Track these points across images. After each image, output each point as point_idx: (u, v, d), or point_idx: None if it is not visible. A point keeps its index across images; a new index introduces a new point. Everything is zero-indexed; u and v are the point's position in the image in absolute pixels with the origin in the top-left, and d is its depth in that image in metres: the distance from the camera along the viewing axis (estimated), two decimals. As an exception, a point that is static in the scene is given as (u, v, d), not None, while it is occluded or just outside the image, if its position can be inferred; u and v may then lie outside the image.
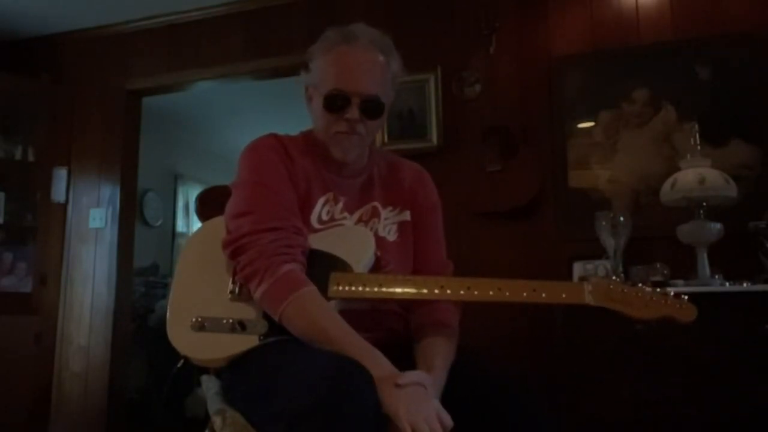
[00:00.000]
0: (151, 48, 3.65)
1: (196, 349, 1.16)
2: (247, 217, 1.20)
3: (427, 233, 1.42)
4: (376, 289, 1.18)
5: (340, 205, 1.34)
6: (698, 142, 2.38)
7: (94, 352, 3.44)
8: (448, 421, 0.99)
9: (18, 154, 3.62)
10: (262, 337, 1.13)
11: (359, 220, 1.35)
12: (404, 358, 1.16)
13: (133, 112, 3.74)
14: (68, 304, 3.55)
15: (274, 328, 1.13)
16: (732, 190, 2.26)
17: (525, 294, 1.17)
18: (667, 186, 2.34)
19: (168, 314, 1.18)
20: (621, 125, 2.71)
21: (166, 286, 4.80)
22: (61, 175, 3.66)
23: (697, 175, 2.25)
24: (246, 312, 1.16)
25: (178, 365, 1.17)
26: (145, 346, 4.11)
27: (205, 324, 1.14)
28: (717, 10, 2.66)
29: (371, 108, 1.29)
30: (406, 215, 1.39)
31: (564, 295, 1.18)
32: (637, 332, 2.10)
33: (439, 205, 1.47)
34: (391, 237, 1.36)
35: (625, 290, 1.18)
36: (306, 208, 1.30)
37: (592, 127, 2.75)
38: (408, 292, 1.19)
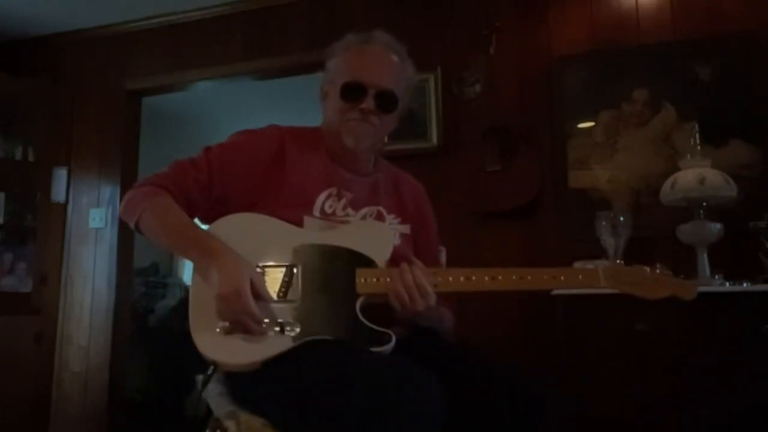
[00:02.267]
0: (151, 48, 3.65)
1: (228, 354, 1.11)
2: (162, 171, 1.32)
3: (427, 251, 1.45)
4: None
5: (344, 201, 1.34)
6: (698, 142, 2.38)
7: (94, 352, 3.44)
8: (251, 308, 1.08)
9: (18, 154, 3.62)
10: (295, 338, 1.10)
11: (364, 219, 1.36)
12: (425, 350, 1.18)
13: (133, 112, 3.74)
14: (68, 304, 3.55)
15: (307, 329, 1.12)
16: (732, 190, 2.26)
17: (545, 278, 1.21)
18: (667, 186, 2.34)
19: (191, 321, 1.14)
20: (621, 125, 2.71)
21: (166, 286, 4.80)
22: (61, 175, 3.66)
23: (697, 175, 2.25)
24: (276, 313, 1.14)
25: (209, 372, 1.11)
26: (145, 346, 4.12)
27: (234, 328, 1.10)
28: (717, 10, 2.66)
29: (386, 100, 1.32)
30: (407, 229, 1.42)
31: (580, 277, 1.23)
32: (638, 332, 2.11)
33: (435, 223, 1.54)
34: (396, 241, 1.37)
35: (633, 271, 1.26)
36: (304, 198, 1.30)
37: (592, 127, 2.75)
38: (435, 283, 1.19)
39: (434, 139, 2.96)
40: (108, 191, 3.59)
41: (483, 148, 2.78)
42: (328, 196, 1.33)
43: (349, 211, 1.34)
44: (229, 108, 4.76)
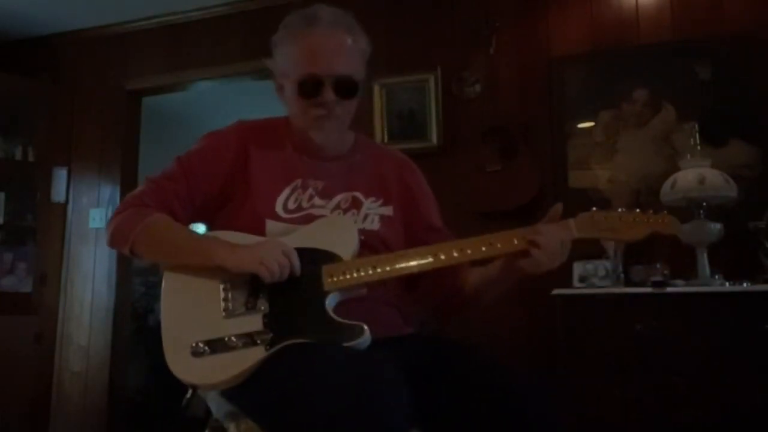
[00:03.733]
0: (151, 48, 3.65)
1: (204, 375, 1.10)
2: (137, 190, 1.31)
3: (429, 222, 1.41)
4: (371, 272, 1.17)
5: (310, 191, 1.31)
6: (698, 142, 2.38)
7: (94, 352, 3.44)
8: (292, 254, 1.12)
9: (18, 154, 3.62)
10: (268, 347, 1.09)
11: (337, 207, 1.32)
12: (402, 351, 1.16)
13: (133, 112, 3.74)
14: (68, 304, 3.55)
15: (279, 335, 1.10)
16: (732, 190, 2.26)
17: (516, 242, 1.19)
18: (667, 186, 2.34)
19: (165, 348, 1.13)
20: (621, 125, 2.71)
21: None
22: (61, 175, 3.66)
23: (697, 175, 2.25)
24: (246, 325, 1.12)
25: (188, 396, 1.11)
26: (145, 346, 4.11)
27: (207, 347, 1.09)
28: (717, 10, 2.66)
29: (345, 87, 1.29)
30: (389, 210, 1.37)
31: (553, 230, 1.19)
32: (638, 332, 2.11)
33: (431, 193, 1.47)
34: (374, 226, 1.33)
35: (608, 216, 1.21)
36: (267, 196, 1.28)
37: (592, 127, 2.75)
38: (405, 266, 1.18)
39: (434, 139, 2.96)
40: (108, 191, 3.59)
41: (483, 148, 2.78)
42: (293, 191, 1.30)
43: (317, 200, 1.30)
44: (229, 108, 4.74)
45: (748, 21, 2.60)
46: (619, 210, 1.22)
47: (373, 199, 1.36)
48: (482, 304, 1.38)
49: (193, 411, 1.15)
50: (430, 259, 1.19)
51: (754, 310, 2.04)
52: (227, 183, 1.30)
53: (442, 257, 1.19)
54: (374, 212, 1.35)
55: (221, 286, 1.16)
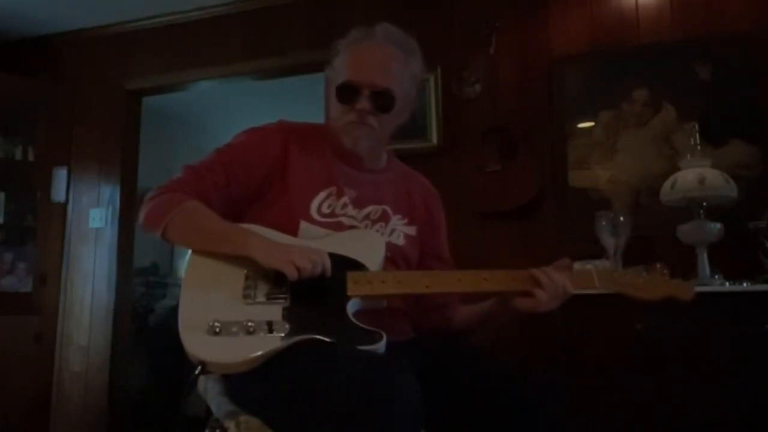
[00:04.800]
0: (151, 48, 3.65)
1: (215, 354, 1.09)
2: (175, 176, 1.32)
3: (434, 254, 1.45)
4: (395, 285, 1.20)
5: (345, 199, 1.34)
6: (698, 142, 2.38)
7: (94, 352, 3.44)
8: (323, 255, 1.14)
9: (18, 154, 3.62)
10: (284, 337, 1.09)
11: (366, 218, 1.35)
12: (411, 353, 1.17)
13: (133, 112, 3.74)
14: (68, 303, 3.55)
15: (296, 329, 1.11)
16: (732, 190, 2.26)
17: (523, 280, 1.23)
18: (667, 186, 2.34)
19: (180, 323, 1.13)
20: (621, 125, 2.71)
21: (166, 286, 4.80)
22: (61, 175, 3.66)
23: (697, 175, 2.25)
24: (265, 313, 1.13)
25: (196, 372, 1.09)
26: (145, 346, 4.12)
27: (223, 328, 1.10)
28: (717, 10, 2.66)
29: (381, 100, 1.31)
30: (413, 230, 1.41)
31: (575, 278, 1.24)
32: (638, 332, 2.11)
33: (446, 225, 1.52)
34: (399, 242, 1.37)
35: (628, 275, 1.27)
36: (303, 197, 1.31)
37: (592, 127, 2.75)
38: (428, 285, 1.21)
39: (434, 139, 2.96)
40: (108, 191, 3.59)
41: (483, 148, 2.78)
42: (327, 196, 1.33)
43: (349, 209, 1.33)
44: (229, 108, 4.75)
45: (748, 21, 2.60)
46: (641, 268, 1.30)
47: (400, 216, 1.40)
48: (471, 339, 1.43)
49: (193, 408, 1.15)
50: (456, 283, 1.22)
51: (754, 310, 2.04)
52: (265, 178, 1.32)
53: (466, 284, 1.22)
54: (400, 229, 1.39)
55: (245, 273, 1.19)
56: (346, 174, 1.37)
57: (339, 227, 1.31)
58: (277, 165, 1.33)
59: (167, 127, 4.96)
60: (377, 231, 1.35)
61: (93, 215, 3.58)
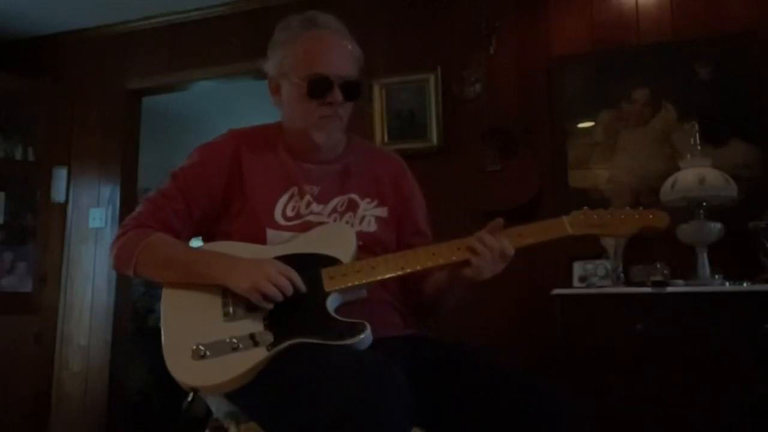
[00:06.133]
0: (151, 48, 3.65)
1: (205, 377, 1.09)
2: (135, 211, 1.32)
3: (415, 227, 1.44)
4: (369, 273, 1.19)
5: (307, 197, 1.32)
6: (698, 142, 2.38)
7: (94, 352, 3.44)
8: (291, 272, 1.13)
9: (18, 154, 3.62)
10: (270, 347, 1.09)
11: (334, 211, 1.33)
12: (404, 351, 1.16)
13: (133, 112, 3.74)
14: (68, 304, 3.55)
15: (280, 336, 1.11)
16: (732, 190, 2.26)
17: (515, 236, 1.23)
18: (667, 186, 2.34)
19: (165, 355, 1.13)
20: (621, 125, 2.71)
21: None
22: (61, 175, 3.66)
23: (697, 175, 2.25)
24: (246, 327, 1.13)
25: (188, 399, 1.10)
26: (145, 346, 4.11)
27: (208, 350, 1.09)
28: (717, 10, 2.66)
29: (351, 89, 1.30)
30: (384, 212, 1.38)
31: (548, 229, 1.25)
32: (638, 332, 2.11)
33: (421, 195, 1.49)
34: (371, 228, 1.34)
35: (599, 213, 1.26)
36: (266, 204, 1.29)
37: (592, 127, 2.75)
38: (403, 267, 1.20)
39: (434, 139, 2.96)
40: (108, 191, 3.59)
41: (483, 148, 2.78)
42: (290, 198, 1.31)
43: (314, 206, 1.31)
44: (229, 108, 4.75)
45: (748, 21, 2.60)
46: (611, 208, 1.28)
47: (369, 200, 1.37)
48: (441, 311, 1.40)
49: (193, 413, 1.15)
50: (430, 264, 1.21)
51: (754, 310, 2.04)
52: (224, 194, 1.31)
53: (441, 261, 1.21)
54: (370, 214, 1.36)
55: (221, 291, 1.17)
56: (305, 171, 1.34)
57: (307, 227, 1.28)
58: (233, 176, 1.31)
59: (167, 127, 4.95)
60: (347, 222, 1.32)
61: (93, 215, 3.58)
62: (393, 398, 0.93)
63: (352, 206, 1.35)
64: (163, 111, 4.55)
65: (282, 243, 1.25)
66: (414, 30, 3.07)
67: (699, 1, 2.70)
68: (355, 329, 1.09)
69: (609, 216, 1.26)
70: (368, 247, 1.29)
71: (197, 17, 3.55)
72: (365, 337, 1.08)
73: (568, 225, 1.24)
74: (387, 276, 1.20)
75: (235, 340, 1.10)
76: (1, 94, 3.61)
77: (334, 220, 1.32)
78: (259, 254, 1.21)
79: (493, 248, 1.18)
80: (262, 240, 1.26)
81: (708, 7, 2.68)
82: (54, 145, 3.67)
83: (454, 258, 1.20)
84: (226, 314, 1.15)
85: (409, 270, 1.21)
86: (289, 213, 1.30)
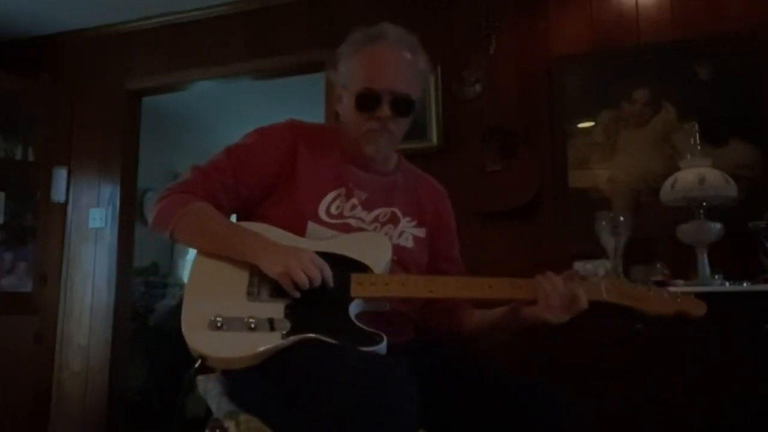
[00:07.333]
0: (151, 48, 3.65)
1: (215, 348, 1.10)
2: (181, 178, 1.33)
3: (444, 256, 1.45)
4: (398, 288, 1.19)
5: (354, 200, 1.34)
6: (698, 142, 2.38)
7: (94, 352, 3.44)
8: (324, 266, 1.14)
9: (18, 154, 3.62)
10: (285, 335, 1.10)
11: (375, 220, 1.35)
12: (411, 354, 1.17)
13: (133, 112, 3.74)
14: (68, 303, 3.55)
15: (298, 327, 1.11)
16: (732, 190, 2.26)
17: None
18: (667, 186, 2.34)
19: (183, 318, 1.14)
20: (621, 125, 2.71)
21: (166, 286, 4.80)
22: (61, 175, 3.66)
23: (697, 175, 2.25)
24: (267, 311, 1.14)
25: (196, 366, 1.11)
26: (145, 346, 4.11)
27: (225, 323, 1.11)
28: (717, 10, 2.66)
29: (401, 105, 1.31)
30: (422, 232, 1.41)
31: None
32: (638, 332, 2.11)
33: (456, 228, 1.52)
34: (408, 244, 1.37)
35: (636, 288, 1.25)
36: (312, 197, 1.31)
37: (592, 127, 2.75)
38: (431, 290, 1.20)
39: (434, 139, 2.96)
40: (108, 191, 3.59)
41: (483, 148, 2.78)
42: (336, 197, 1.33)
43: (358, 211, 1.33)
44: (229, 108, 4.76)
45: (748, 21, 2.60)
46: (649, 285, 1.28)
47: (409, 218, 1.40)
48: (482, 345, 1.42)
49: (193, 408, 1.15)
50: (460, 289, 1.22)
51: (754, 310, 2.04)
52: (275, 178, 1.32)
53: (471, 290, 1.22)
54: (409, 231, 1.39)
55: (250, 271, 1.19)
56: (355, 176, 1.37)
57: (347, 229, 1.30)
58: (286, 165, 1.33)
59: (167, 127, 4.96)
60: (386, 233, 1.34)
61: (93, 215, 3.58)
62: (401, 400, 0.93)
63: (394, 220, 1.37)
64: (163, 111, 4.56)
65: (319, 239, 1.26)
66: (414, 30, 3.06)
67: (699, 1, 2.70)
68: (372, 339, 1.10)
69: (646, 292, 1.25)
70: (402, 262, 1.32)
71: (197, 17, 3.54)
72: (380, 348, 1.09)
73: (604, 291, 1.24)
74: (415, 295, 1.21)
75: (252, 321, 1.11)
76: (1, 94, 3.60)
77: (374, 229, 1.34)
78: (295, 244, 1.22)
79: (562, 294, 1.18)
80: (301, 230, 1.27)
81: (708, 7, 2.68)
82: (54, 145, 3.66)
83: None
84: (250, 293, 1.17)
85: (439, 295, 1.21)
86: (333, 211, 1.32)
